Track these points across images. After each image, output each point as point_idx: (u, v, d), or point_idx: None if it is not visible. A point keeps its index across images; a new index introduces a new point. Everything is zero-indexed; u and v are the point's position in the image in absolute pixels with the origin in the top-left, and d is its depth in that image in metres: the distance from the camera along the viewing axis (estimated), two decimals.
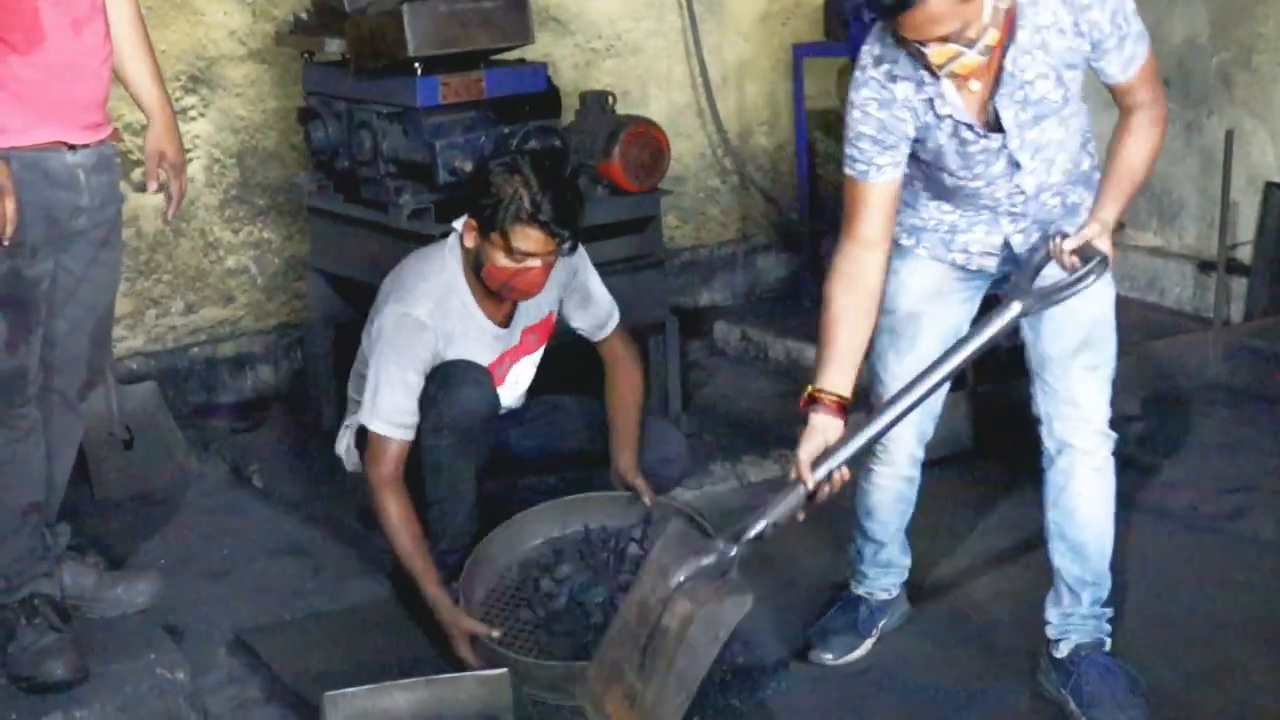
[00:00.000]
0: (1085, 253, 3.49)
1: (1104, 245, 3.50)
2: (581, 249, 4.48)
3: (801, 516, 3.51)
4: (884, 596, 4.30)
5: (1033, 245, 3.77)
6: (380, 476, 4.25)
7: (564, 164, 4.49)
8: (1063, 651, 3.99)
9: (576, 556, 4.34)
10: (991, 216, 3.78)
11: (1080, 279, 3.49)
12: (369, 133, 5.14)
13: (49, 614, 3.99)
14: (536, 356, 4.59)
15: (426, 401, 4.24)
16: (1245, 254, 6.34)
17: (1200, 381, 5.93)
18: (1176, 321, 6.40)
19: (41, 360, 3.97)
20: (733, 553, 3.48)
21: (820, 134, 7.04)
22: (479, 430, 4.26)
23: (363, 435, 4.36)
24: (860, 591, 4.31)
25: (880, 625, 4.28)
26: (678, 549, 3.55)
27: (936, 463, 4.91)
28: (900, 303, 3.88)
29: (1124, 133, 3.65)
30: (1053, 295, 3.53)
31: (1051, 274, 3.60)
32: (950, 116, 3.56)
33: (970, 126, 3.59)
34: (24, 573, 4.03)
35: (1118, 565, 4.09)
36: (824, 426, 3.54)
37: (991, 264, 3.84)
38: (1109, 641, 4.03)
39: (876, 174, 3.62)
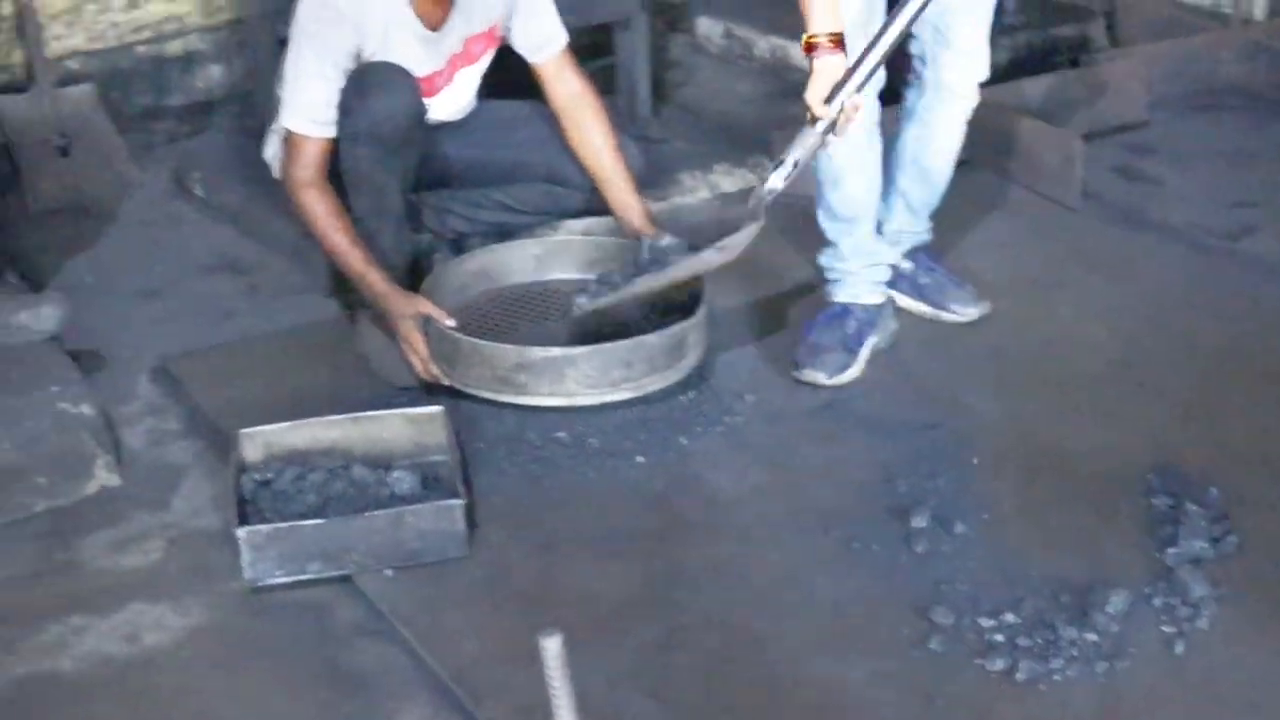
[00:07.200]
0: None
1: None
2: None
3: (827, 147, 3.67)
4: (870, 300, 4.05)
5: None
6: (298, 178, 3.94)
7: None
8: (902, 254, 4.23)
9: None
10: None
11: None
12: None
13: None
14: (480, 67, 4.22)
15: (341, 110, 3.91)
16: None
17: (1214, 85, 5.55)
18: (1191, 19, 5.92)
19: None
20: (761, 206, 3.69)
21: None
22: (400, 139, 3.93)
23: None
24: (844, 298, 4.05)
25: (870, 342, 4.01)
26: None
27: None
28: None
29: None
30: None
31: None
32: None
33: None
34: None
35: (1118, 279, 4.29)
36: (829, 66, 3.60)
37: None
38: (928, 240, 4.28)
39: None
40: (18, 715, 3.06)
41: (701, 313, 3.86)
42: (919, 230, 4.24)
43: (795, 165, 3.61)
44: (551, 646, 2.02)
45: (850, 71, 3.57)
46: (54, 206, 5.05)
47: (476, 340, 3.78)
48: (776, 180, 3.62)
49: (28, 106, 5.16)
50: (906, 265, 4.23)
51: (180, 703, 3.08)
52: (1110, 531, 3.37)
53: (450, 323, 3.79)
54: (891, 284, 4.18)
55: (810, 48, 3.62)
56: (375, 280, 3.87)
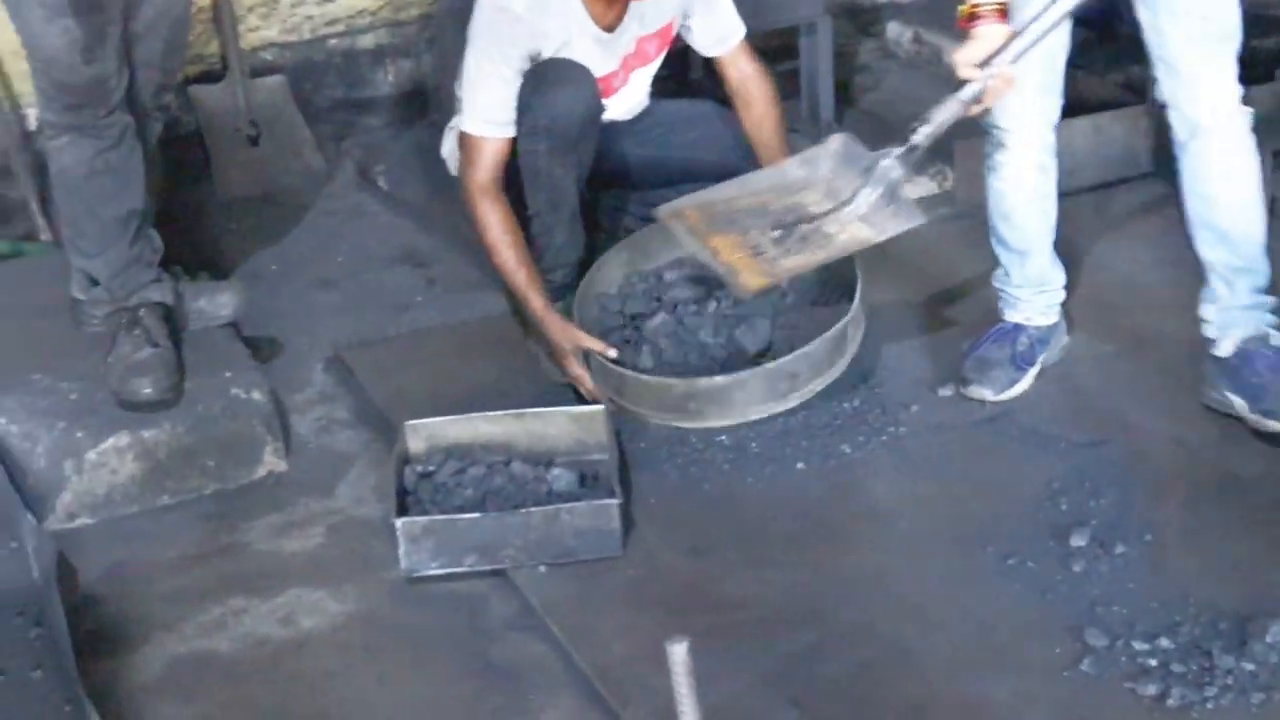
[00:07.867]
0: None
1: None
2: None
3: (975, 110, 3.57)
4: (1043, 321, 3.96)
5: None
6: (476, 182, 3.96)
7: None
8: (1226, 350, 3.73)
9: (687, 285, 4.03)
10: None
11: None
12: None
13: (152, 327, 3.83)
14: (654, 66, 4.22)
15: (521, 105, 3.93)
16: None
17: None
18: None
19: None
20: (897, 173, 3.69)
21: None
22: (577, 134, 3.94)
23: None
24: (1016, 318, 3.97)
25: (1041, 358, 3.94)
26: (843, 167, 3.77)
27: (1110, 185, 4.56)
28: None
29: None
30: None
31: None
32: None
33: None
34: (129, 283, 3.89)
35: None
36: (989, 34, 3.48)
37: None
38: (1275, 335, 3.74)
39: None
40: (173, 693, 3.13)
41: (856, 303, 3.82)
42: (1248, 304, 3.73)
43: (934, 127, 3.61)
44: (677, 653, 2.03)
45: (1010, 38, 3.46)
46: (242, 195, 5.13)
47: (640, 375, 3.79)
48: (918, 138, 3.64)
49: (221, 96, 5.27)
50: (1237, 360, 3.71)
51: (330, 687, 3.13)
52: (1274, 560, 3.27)
53: (611, 353, 3.80)
54: (1213, 381, 3.73)
55: (972, 17, 3.49)
56: (536, 304, 3.90)
